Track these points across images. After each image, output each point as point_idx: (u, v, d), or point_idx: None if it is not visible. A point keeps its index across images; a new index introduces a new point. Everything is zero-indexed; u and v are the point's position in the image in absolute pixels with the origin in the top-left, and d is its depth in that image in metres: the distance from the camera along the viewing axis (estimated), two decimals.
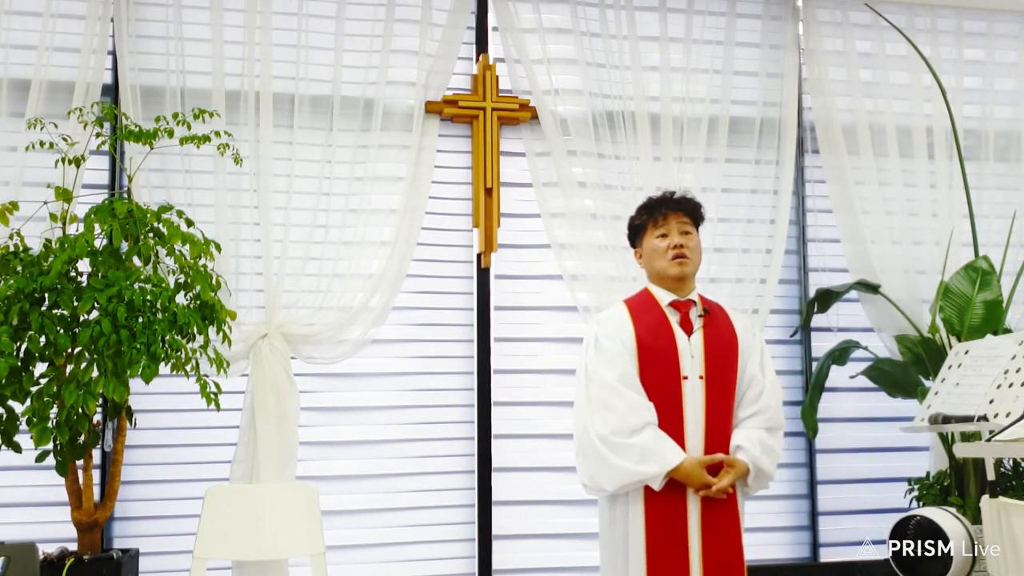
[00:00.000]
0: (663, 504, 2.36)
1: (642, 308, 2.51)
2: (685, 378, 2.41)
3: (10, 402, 2.59)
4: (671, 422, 2.38)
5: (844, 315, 3.74)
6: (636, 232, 2.61)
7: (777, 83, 3.76)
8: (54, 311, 2.57)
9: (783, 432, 2.52)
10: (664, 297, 2.51)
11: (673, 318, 2.48)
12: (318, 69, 3.41)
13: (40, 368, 2.61)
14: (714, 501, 2.38)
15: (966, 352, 2.94)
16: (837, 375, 3.58)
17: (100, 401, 2.70)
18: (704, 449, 2.39)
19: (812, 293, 3.67)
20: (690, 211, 2.54)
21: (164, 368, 2.62)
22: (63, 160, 2.86)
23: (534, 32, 3.60)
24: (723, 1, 3.75)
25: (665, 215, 2.51)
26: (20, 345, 2.55)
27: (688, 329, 2.47)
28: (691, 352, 2.43)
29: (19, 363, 2.54)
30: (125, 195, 3.03)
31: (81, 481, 2.74)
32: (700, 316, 2.49)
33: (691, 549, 2.35)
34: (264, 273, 3.27)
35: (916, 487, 3.46)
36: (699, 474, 2.33)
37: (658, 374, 2.41)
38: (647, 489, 2.37)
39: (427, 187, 3.45)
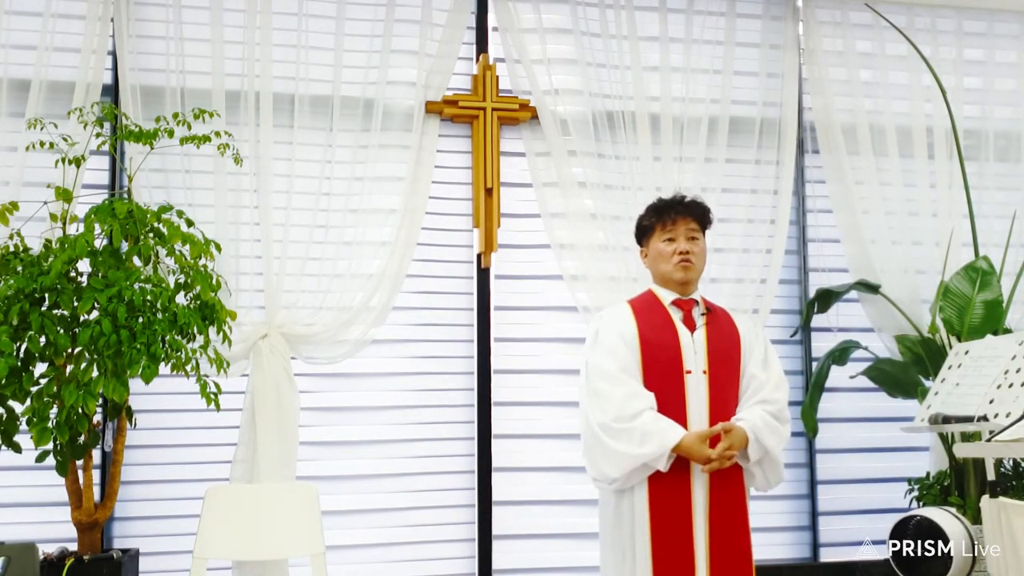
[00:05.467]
0: (667, 495, 2.37)
1: (645, 307, 2.55)
2: (688, 372, 2.43)
3: (10, 402, 2.59)
4: (674, 417, 2.39)
5: (844, 315, 3.74)
6: (644, 232, 2.63)
7: (777, 83, 3.76)
8: (54, 311, 2.58)
9: (789, 427, 2.51)
10: (667, 296, 2.54)
11: (676, 316, 2.51)
12: (318, 69, 3.41)
13: (40, 368, 2.61)
14: (720, 491, 2.39)
15: (966, 352, 2.94)
16: (837, 375, 3.58)
17: (100, 401, 2.70)
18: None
19: (812, 293, 3.67)
20: (699, 216, 2.57)
21: (164, 368, 2.62)
22: (63, 160, 2.86)
23: (534, 32, 3.60)
24: (723, 1, 3.75)
25: (674, 220, 2.54)
26: (20, 345, 2.55)
27: (691, 326, 2.49)
28: (694, 348, 2.46)
29: (19, 363, 2.54)
30: (125, 195, 3.03)
31: (81, 481, 2.74)
32: (703, 314, 2.51)
33: (696, 541, 2.36)
34: (264, 273, 3.26)
35: (916, 487, 3.46)
36: (700, 448, 2.33)
37: (661, 369, 2.43)
38: (651, 481, 2.38)
39: (427, 187, 3.45)
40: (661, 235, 2.55)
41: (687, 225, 2.54)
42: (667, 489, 2.37)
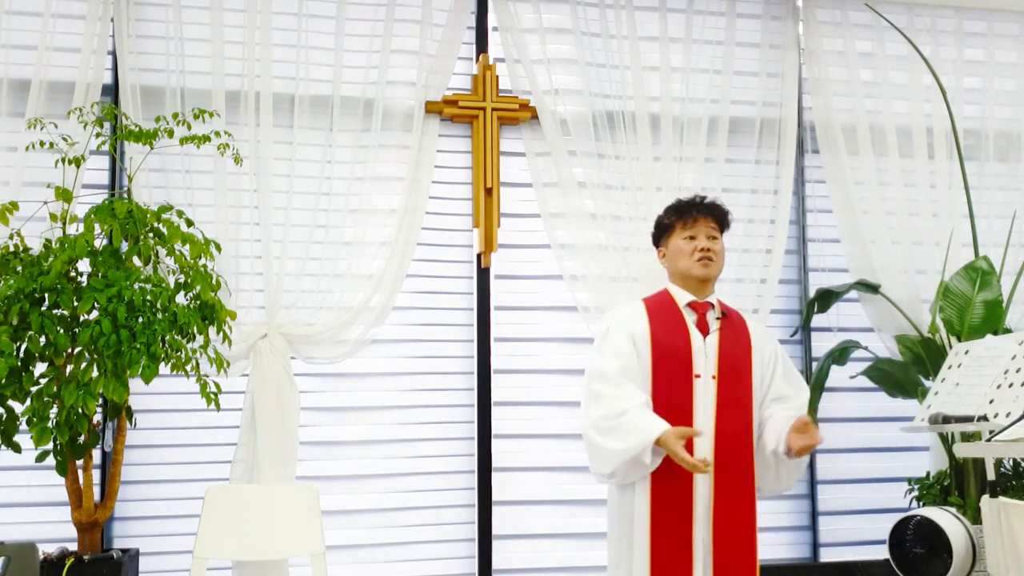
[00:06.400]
0: (668, 492, 2.38)
1: (659, 306, 2.55)
2: (697, 376, 2.44)
3: (10, 402, 2.59)
4: (681, 419, 2.39)
5: (844, 315, 3.73)
6: (662, 231, 2.63)
7: (777, 83, 3.75)
8: (54, 311, 2.57)
9: None
10: (683, 297, 2.54)
11: (690, 318, 2.51)
12: (318, 69, 3.41)
13: (40, 368, 2.61)
14: (726, 489, 2.39)
15: (966, 352, 2.94)
16: (837, 375, 3.57)
17: (100, 401, 2.70)
18: (714, 447, 2.41)
19: (812, 293, 3.67)
20: (719, 217, 2.59)
21: (164, 368, 2.63)
22: (63, 160, 2.86)
23: (534, 32, 3.60)
24: (723, 1, 3.75)
25: (695, 218, 2.55)
26: (20, 345, 2.55)
27: (704, 330, 2.50)
28: (705, 352, 2.46)
29: (19, 363, 2.54)
30: (125, 195, 3.03)
31: (81, 481, 2.74)
32: (717, 319, 2.52)
33: (696, 538, 2.36)
34: (264, 273, 3.26)
35: (916, 487, 3.46)
36: (673, 444, 2.23)
37: (670, 371, 2.44)
38: (653, 477, 2.38)
39: (427, 187, 3.45)
40: (681, 233, 2.56)
41: (707, 224, 2.55)
42: (668, 486, 2.38)
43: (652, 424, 2.30)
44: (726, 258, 3.54)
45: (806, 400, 2.55)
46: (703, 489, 2.39)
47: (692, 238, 2.54)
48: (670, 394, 2.41)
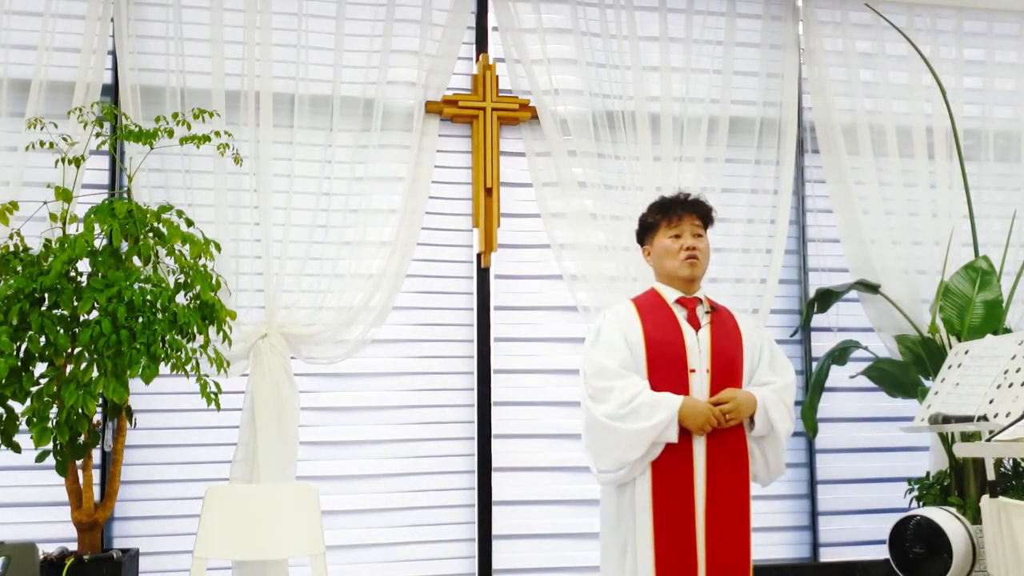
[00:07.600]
0: (669, 486, 2.39)
1: (649, 305, 2.56)
2: (692, 371, 2.46)
3: (10, 402, 2.59)
4: None
5: (844, 315, 3.74)
6: (647, 230, 2.64)
7: (777, 83, 3.75)
8: (54, 311, 2.57)
9: (794, 423, 2.56)
10: (671, 295, 2.56)
11: (680, 314, 2.53)
12: (318, 69, 3.41)
13: (40, 368, 2.61)
14: (721, 480, 2.40)
15: (966, 352, 2.94)
16: (837, 375, 3.58)
17: (100, 401, 2.70)
18: (708, 441, 2.42)
19: (812, 293, 3.67)
20: (703, 214, 2.59)
21: (164, 368, 2.62)
22: (63, 160, 2.86)
23: (534, 32, 3.60)
24: (723, 1, 3.75)
25: (680, 216, 2.56)
26: (20, 345, 2.55)
27: (695, 325, 2.51)
28: (698, 347, 2.47)
29: (19, 363, 2.54)
30: (125, 195, 3.03)
31: (81, 481, 2.74)
32: (707, 313, 2.53)
33: (698, 533, 2.38)
34: (264, 273, 3.26)
35: (916, 487, 3.46)
36: (698, 404, 2.38)
37: (666, 368, 2.45)
38: (653, 472, 2.39)
39: (427, 187, 3.45)
40: (666, 232, 2.57)
41: (692, 221, 2.56)
42: (669, 482, 2.39)
43: (670, 396, 2.39)
44: (726, 258, 3.60)
45: (786, 384, 2.54)
46: (702, 484, 2.40)
47: (677, 236, 2.54)
48: (667, 390, 2.42)
